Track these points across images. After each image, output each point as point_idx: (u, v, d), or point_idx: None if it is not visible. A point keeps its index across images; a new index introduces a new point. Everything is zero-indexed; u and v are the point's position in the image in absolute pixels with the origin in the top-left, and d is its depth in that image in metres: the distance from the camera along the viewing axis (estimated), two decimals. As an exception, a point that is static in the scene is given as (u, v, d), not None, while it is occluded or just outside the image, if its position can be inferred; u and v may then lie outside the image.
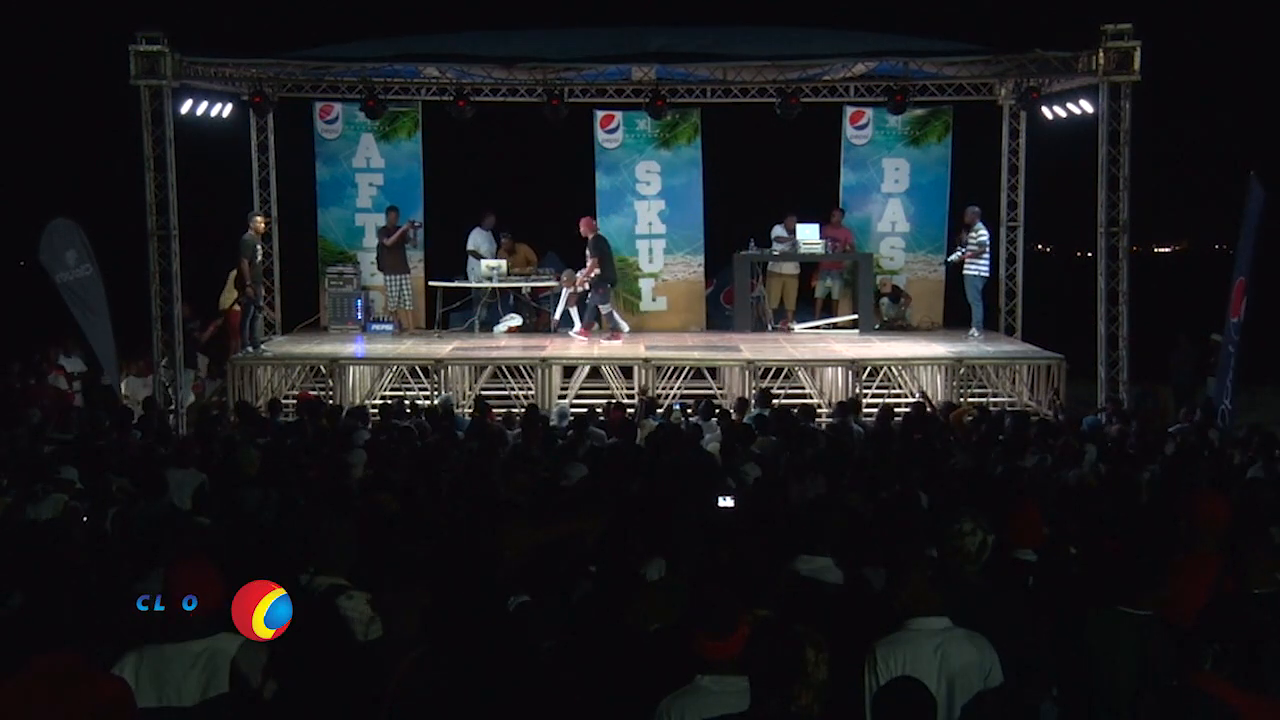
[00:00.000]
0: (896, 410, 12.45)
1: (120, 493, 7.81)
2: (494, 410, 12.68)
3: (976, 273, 15.87)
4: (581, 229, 15.95)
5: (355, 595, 4.63)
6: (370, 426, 11.43)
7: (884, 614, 4.34)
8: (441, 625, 4.24)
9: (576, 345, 15.71)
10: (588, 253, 15.79)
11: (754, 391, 13.47)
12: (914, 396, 14.51)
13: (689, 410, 12.16)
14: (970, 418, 12.29)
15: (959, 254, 15.94)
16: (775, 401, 13.06)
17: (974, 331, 16.10)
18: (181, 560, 4.33)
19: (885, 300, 17.32)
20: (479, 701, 4.05)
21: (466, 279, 17.21)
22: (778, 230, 16.91)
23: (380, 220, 17.62)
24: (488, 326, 17.14)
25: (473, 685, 4.07)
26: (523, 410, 12.55)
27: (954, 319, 17.57)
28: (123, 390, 14.26)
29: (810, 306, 17.37)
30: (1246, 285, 12.47)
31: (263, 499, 7.34)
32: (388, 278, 16.78)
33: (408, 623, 4.16)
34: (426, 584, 4.40)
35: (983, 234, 15.81)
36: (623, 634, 4.45)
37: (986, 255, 15.88)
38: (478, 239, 17.33)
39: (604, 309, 16.10)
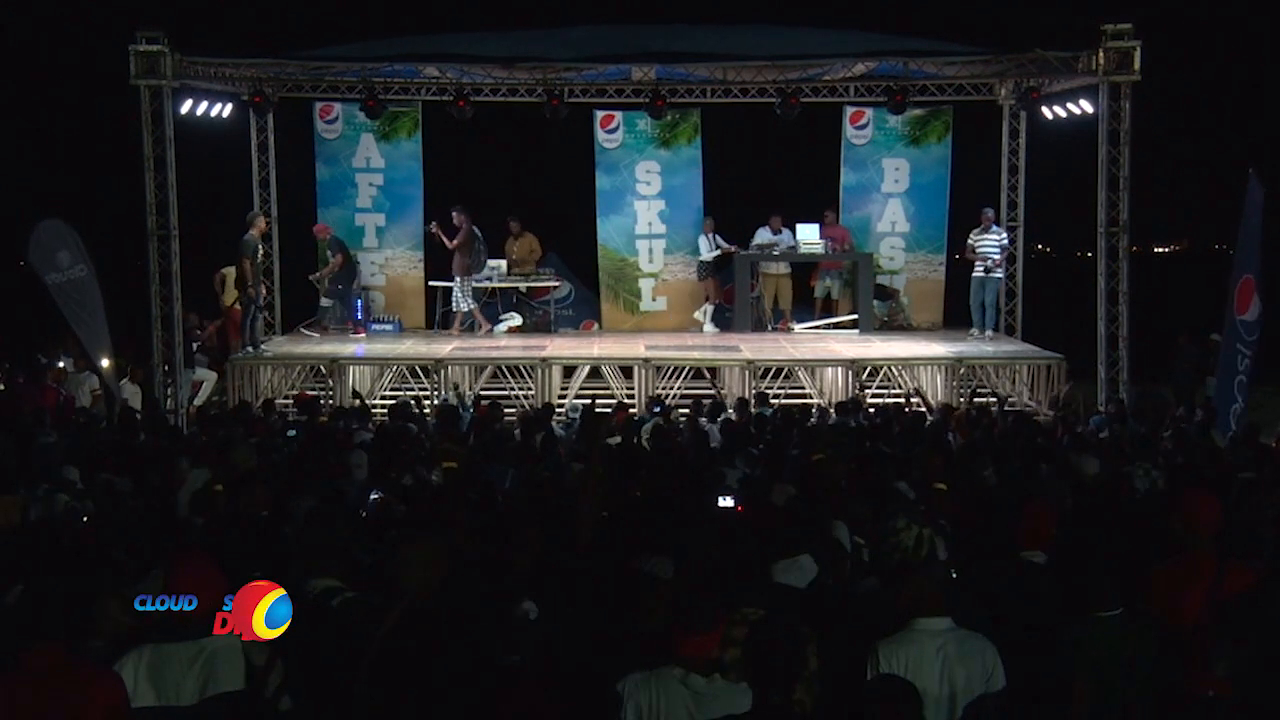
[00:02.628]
0: (901, 409, 12.46)
1: (123, 493, 7.80)
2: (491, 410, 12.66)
3: (1001, 276, 15.95)
4: (316, 233, 16.74)
5: (351, 596, 4.63)
6: (371, 426, 11.42)
7: (887, 614, 4.35)
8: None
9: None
10: (330, 253, 16.57)
11: (752, 392, 13.48)
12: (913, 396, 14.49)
13: (673, 410, 12.22)
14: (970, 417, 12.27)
15: (986, 265, 15.71)
16: (775, 401, 13.07)
17: (987, 331, 15.96)
18: (182, 559, 4.33)
19: (876, 302, 17.26)
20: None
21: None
22: (762, 234, 16.85)
23: (380, 220, 17.66)
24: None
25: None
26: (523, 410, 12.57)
27: (954, 319, 17.58)
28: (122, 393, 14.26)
29: (810, 306, 17.38)
30: (1256, 283, 12.32)
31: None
32: (459, 278, 16.37)
33: (419, 574, 4.20)
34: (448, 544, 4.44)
35: (1003, 236, 15.89)
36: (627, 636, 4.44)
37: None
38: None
39: (326, 303, 16.82)
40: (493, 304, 17.29)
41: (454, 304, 16.55)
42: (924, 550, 4.72)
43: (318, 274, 16.89)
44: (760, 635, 3.78)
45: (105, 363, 14.11)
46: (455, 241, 16.11)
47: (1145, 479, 8.53)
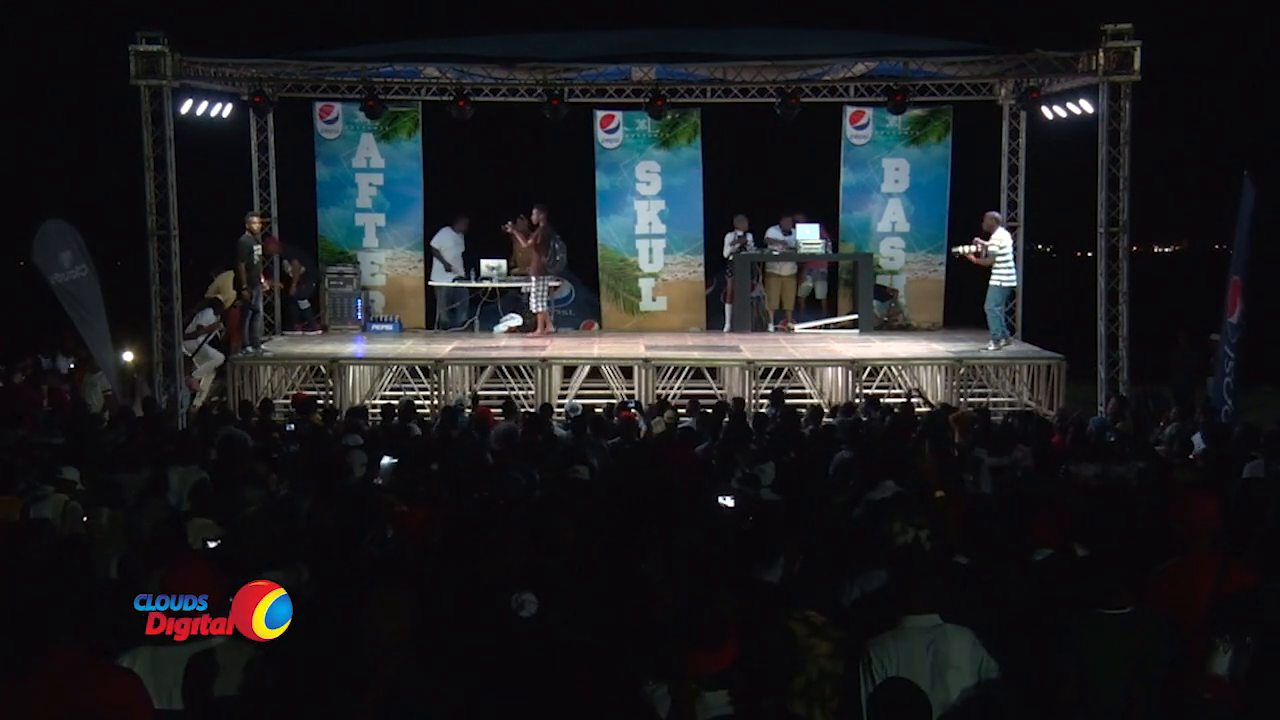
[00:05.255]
0: (892, 406, 12.46)
1: (123, 492, 7.80)
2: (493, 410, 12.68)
3: (997, 283, 14.44)
4: (268, 247, 16.58)
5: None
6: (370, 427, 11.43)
7: (882, 612, 4.37)
8: (433, 631, 4.22)
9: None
10: (286, 261, 17.03)
11: (758, 391, 13.48)
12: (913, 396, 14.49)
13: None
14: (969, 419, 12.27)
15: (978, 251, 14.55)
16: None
17: (989, 346, 14.82)
18: (182, 562, 4.32)
19: (875, 302, 17.24)
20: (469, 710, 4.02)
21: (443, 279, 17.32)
22: (772, 234, 16.92)
23: (380, 220, 17.66)
24: (487, 326, 17.17)
25: (463, 692, 4.05)
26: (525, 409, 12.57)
27: (954, 319, 17.57)
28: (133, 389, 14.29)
29: (802, 306, 17.37)
30: (1242, 285, 12.44)
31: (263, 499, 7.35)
32: (534, 278, 16.16)
33: (390, 626, 4.05)
34: (414, 584, 4.38)
35: (1003, 241, 14.51)
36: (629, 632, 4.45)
37: (1009, 263, 14.52)
38: (444, 239, 17.35)
39: (304, 305, 17.28)
40: (493, 304, 17.29)
41: (530, 303, 16.39)
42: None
43: (295, 290, 17.01)
44: (750, 639, 3.78)
45: (128, 357, 14.13)
46: (531, 240, 15.98)
47: (1134, 477, 8.59)
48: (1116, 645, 4.38)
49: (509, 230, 16.33)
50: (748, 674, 3.70)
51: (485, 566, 5.05)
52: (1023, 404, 14.46)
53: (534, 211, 16.03)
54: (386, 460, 8.65)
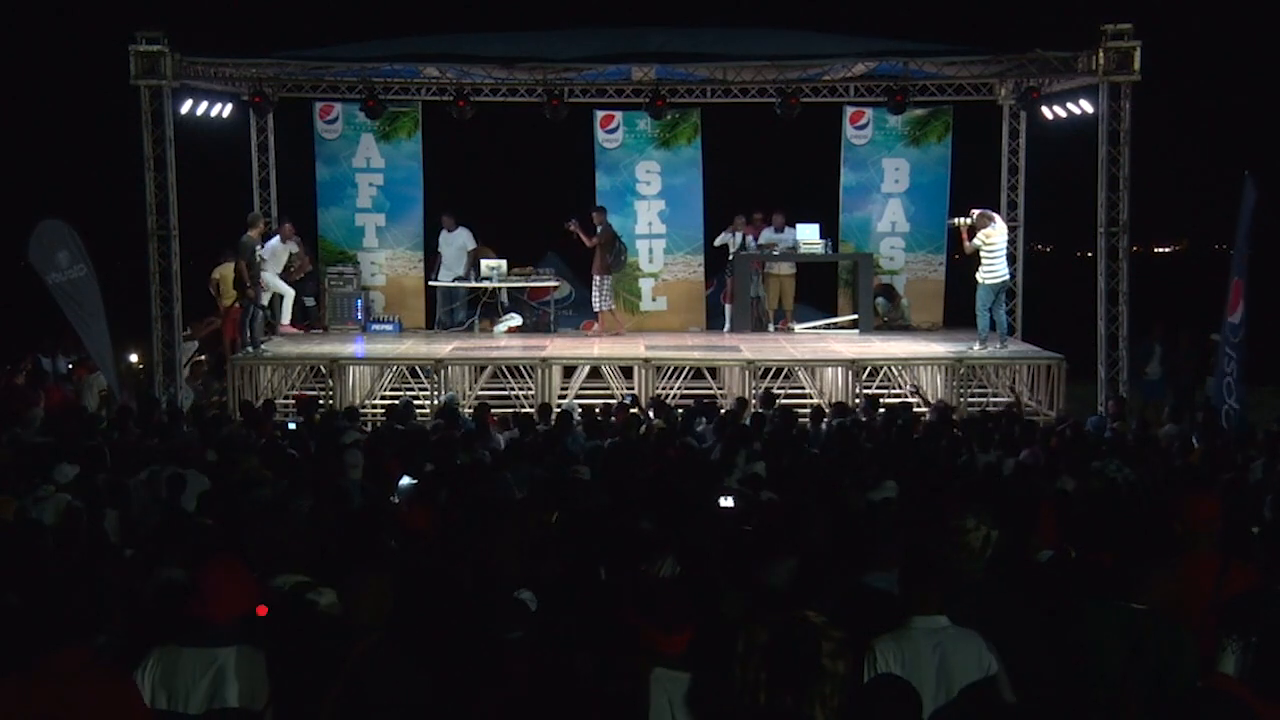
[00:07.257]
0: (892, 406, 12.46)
1: (125, 492, 7.80)
2: (493, 411, 12.68)
3: (982, 280, 14.17)
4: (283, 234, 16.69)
5: (325, 591, 4.66)
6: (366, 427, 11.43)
7: (888, 612, 4.36)
8: (406, 615, 4.25)
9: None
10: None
11: (755, 391, 13.48)
12: (914, 395, 14.50)
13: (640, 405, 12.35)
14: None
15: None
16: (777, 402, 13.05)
17: (975, 346, 14.61)
18: (212, 564, 4.30)
19: (880, 300, 17.26)
20: (436, 689, 4.05)
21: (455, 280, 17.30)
22: (766, 234, 16.89)
23: (380, 220, 17.65)
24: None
25: (431, 673, 4.08)
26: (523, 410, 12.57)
27: (954, 319, 17.57)
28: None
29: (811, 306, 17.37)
30: (1243, 286, 12.47)
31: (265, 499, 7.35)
32: (598, 277, 16.13)
33: (368, 608, 4.15)
34: (393, 572, 4.42)
35: (992, 236, 14.14)
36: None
37: (994, 259, 14.11)
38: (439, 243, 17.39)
39: (310, 302, 17.24)
40: (493, 304, 17.29)
41: (593, 303, 16.37)
42: (987, 552, 4.70)
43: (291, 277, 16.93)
44: (776, 641, 3.78)
45: (133, 358, 14.09)
46: (594, 240, 15.95)
47: (1118, 473, 8.63)
48: (1114, 639, 4.38)
49: (572, 229, 16.27)
50: (773, 673, 3.70)
51: (477, 563, 5.07)
52: (1023, 404, 14.44)
53: (593, 214, 16.08)
54: (405, 480, 8.54)
